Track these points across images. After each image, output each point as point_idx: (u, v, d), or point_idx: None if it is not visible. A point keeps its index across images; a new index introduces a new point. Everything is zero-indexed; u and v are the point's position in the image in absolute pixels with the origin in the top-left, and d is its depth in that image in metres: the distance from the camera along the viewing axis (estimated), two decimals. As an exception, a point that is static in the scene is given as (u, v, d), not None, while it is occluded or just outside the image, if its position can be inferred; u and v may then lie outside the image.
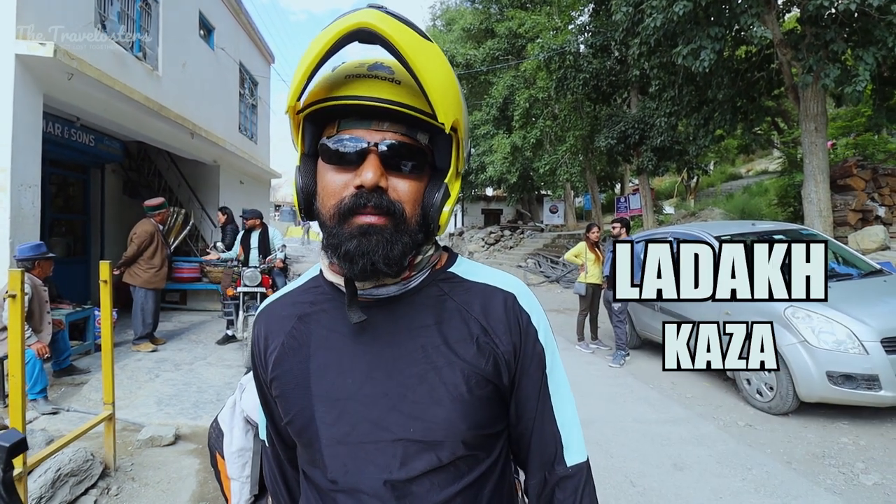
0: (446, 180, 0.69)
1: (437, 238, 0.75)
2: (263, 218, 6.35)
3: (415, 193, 0.67)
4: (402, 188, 0.65)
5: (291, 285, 0.81)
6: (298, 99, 0.64)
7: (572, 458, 0.73)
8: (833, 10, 6.61)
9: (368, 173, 0.62)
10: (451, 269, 0.76)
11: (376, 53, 0.64)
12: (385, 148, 0.64)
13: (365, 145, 0.63)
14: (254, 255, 6.03)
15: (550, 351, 0.74)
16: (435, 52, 0.62)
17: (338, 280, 0.71)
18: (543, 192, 23.32)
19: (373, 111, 0.64)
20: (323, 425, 0.67)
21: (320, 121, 0.68)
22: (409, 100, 0.63)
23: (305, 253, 21.10)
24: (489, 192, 28.54)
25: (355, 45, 0.61)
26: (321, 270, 0.78)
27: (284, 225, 32.19)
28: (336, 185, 0.65)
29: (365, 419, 0.66)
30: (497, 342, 0.70)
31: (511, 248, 19.61)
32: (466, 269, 0.77)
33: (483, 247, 20.61)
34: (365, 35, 0.58)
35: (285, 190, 40.07)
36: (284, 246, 6.35)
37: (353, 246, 0.63)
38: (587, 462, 0.75)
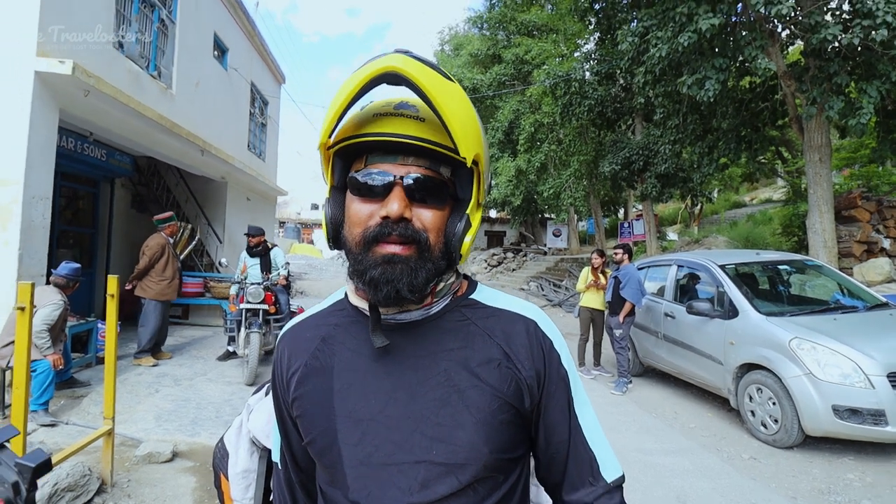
0: (468, 211, 0.73)
1: (457, 267, 0.77)
2: (266, 235, 6.40)
3: (438, 223, 0.70)
4: (425, 218, 0.69)
5: (316, 308, 0.83)
6: (329, 136, 0.68)
7: (609, 474, 0.75)
8: (836, 44, 6.72)
9: (394, 204, 0.65)
10: (472, 296, 0.78)
11: (401, 93, 0.68)
12: (410, 181, 0.67)
13: (391, 178, 0.67)
14: (256, 271, 6.06)
15: (573, 375, 0.77)
16: (456, 91, 0.66)
17: (362, 304, 0.74)
18: (547, 215, 23.41)
19: (399, 146, 0.68)
20: (346, 446, 0.69)
21: (349, 156, 0.73)
22: (433, 136, 0.67)
23: (309, 270, 21.09)
24: (493, 213, 28.68)
25: (383, 86, 0.65)
26: (346, 294, 0.81)
27: (288, 241, 32.31)
28: (362, 214, 0.68)
29: (388, 440, 0.67)
30: (520, 367, 0.71)
31: (514, 270, 19.60)
32: (487, 296, 0.79)
33: (486, 269, 20.61)
34: (391, 78, 0.63)
35: (291, 207, 40.36)
36: (288, 263, 6.39)
37: (378, 273, 0.66)
38: (623, 477, 0.76)
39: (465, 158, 0.66)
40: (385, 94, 0.69)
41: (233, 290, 6.14)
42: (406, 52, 0.64)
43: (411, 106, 0.69)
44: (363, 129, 0.68)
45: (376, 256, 0.66)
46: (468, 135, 0.66)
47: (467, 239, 0.72)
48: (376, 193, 0.68)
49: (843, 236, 8.48)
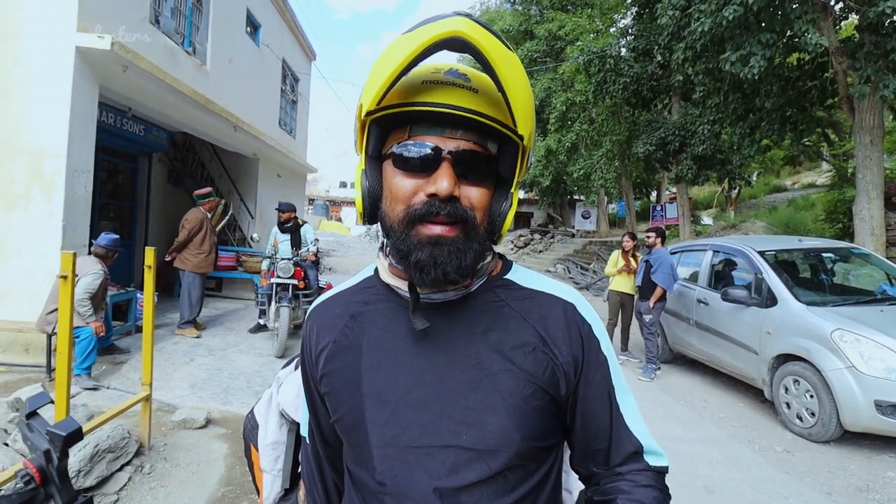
0: (512, 189, 0.69)
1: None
2: (297, 211, 6.49)
3: (485, 201, 0.66)
4: (473, 196, 0.65)
5: (344, 284, 0.81)
6: (378, 103, 0.63)
7: (654, 461, 0.72)
8: (895, 18, 6.28)
9: (444, 182, 0.61)
10: (507, 276, 0.75)
11: (444, 57, 0.64)
12: (459, 156, 0.63)
13: (440, 153, 0.63)
14: (286, 247, 6.16)
15: (613, 361, 0.73)
16: (517, 63, 0.62)
17: (395, 283, 0.72)
18: (576, 196, 23.02)
19: (447, 118, 0.63)
20: (373, 426, 0.67)
21: (388, 125, 0.67)
22: (487, 109, 0.63)
23: (337, 247, 21.38)
24: (521, 194, 28.34)
25: None
26: (376, 271, 0.78)
27: (317, 219, 32.76)
28: (406, 190, 0.64)
29: (415, 423, 0.65)
30: (556, 352, 0.68)
31: (541, 252, 19.43)
32: (522, 277, 0.76)
33: (512, 250, 20.49)
34: (456, 44, 0.59)
35: (320, 185, 40.81)
36: (317, 240, 6.47)
37: (426, 256, 0.62)
38: (667, 468, 0.73)
39: (522, 136, 0.63)
40: (432, 58, 0.63)
41: (264, 264, 6.27)
42: (468, 15, 0.59)
43: (462, 74, 0.64)
44: (411, 97, 0.63)
45: (421, 237, 0.63)
46: (527, 111, 0.63)
47: (509, 218, 0.69)
48: (422, 168, 0.63)
49: (893, 224, 8.05)
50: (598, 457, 0.72)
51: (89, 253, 4.69)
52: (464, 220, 0.63)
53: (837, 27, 8.14)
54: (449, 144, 0.63)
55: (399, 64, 0.58)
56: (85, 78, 4.91)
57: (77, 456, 2.69)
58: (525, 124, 0.63)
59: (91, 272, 4.29)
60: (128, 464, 2.96)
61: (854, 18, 7.96)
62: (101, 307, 4.52)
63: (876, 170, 7.13)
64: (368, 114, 0.64)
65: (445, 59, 0.64)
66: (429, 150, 0.63)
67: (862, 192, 7.22)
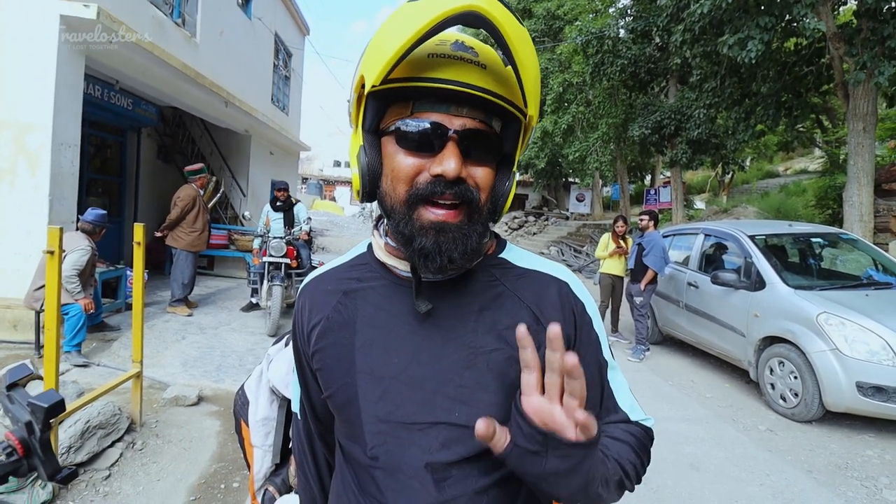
0: (514, 168, 0.68)
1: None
2: (290, 190, 6.43)
3: (489, 181, 0.65)
4: (478, 176, 0.63)
5: (337, 261, 0.80)
6: (383, 78, 0.59)
7: (641, 421, 0.74)
8: (893, 4, 6.25)
9: (451, 162, 0.59)
10: (501, 255, 0.75)
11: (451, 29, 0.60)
12: (466, 136, 0.61)
13: (447, 132, 0.60)
14: (279, 225, 6.12)
15: (604, 339, 0.75)
16: (528, 39, 0.60)
17: (391, 262, 0.71)
18: (571, 179, 22.99)
19: (453, 95, 0.60)
20: (366, 402, 0.67)
21: (387, 97, 0.64)
22: (494, 86, 0.61)
23: (331, 227, 21.29)
24: (517, 175, 28.25)
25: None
26: (369, 248, 0.77)
27: (311, 198, 32.50)
28: (409, 169, 0.62)
29: (409, 399, 0.65)
30: None
31: (534, 234, 19.48)
32: (517, 256, 0.76)
33: (506, 231, 20.52)
34: (473, 19, 0.55)
35: (314, 164, 40.40)
36: (310, 219, 6.43)
37: (431, 243, 0.61)
38: (652, 430, 0.75)
39: (531, 116, 0.62)
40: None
41: (255, 243, 6.23)
42: None
43: (469, 48, 0.61)
44: (416, 71, 0.60)
45: (423, 222, 0.61)
46: (536, 87, 0.61)
47: (509, 198, 0.68)
48: (427, 147, 0.61)
49: (881, 210, 8.14)
50: None
51: (77, 229, 4.63)
52: (469, 202, 0.62)
53: (836, 12, 8.10)
54: (455, 123, 0.61)
55: (408, 38, 0.55)
56: (70, 48, 4.77)
57: (68, 432, 2.70)
58: (534, 103, 0.62)
59: (78, 248, 4.23)
60: (119, 440, 2.97)
61: (853, 4, 7.91)
62: (89, 284, 4.48)
63: (867, 157, 7.17)
64: (372, 89, 0.61)
65: (449, 29, 0.61)
66: (435, 129, 0.60)
67: (853, 179, 7.27)
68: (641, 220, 5.83)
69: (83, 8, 4.48)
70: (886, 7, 6.31)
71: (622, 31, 12.52)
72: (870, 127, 7.15)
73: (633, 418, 0.73)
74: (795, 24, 7.35)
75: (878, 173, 8.09)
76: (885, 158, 10.30)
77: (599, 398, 0.72)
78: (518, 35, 0.57)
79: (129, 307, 5.69)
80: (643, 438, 0.72)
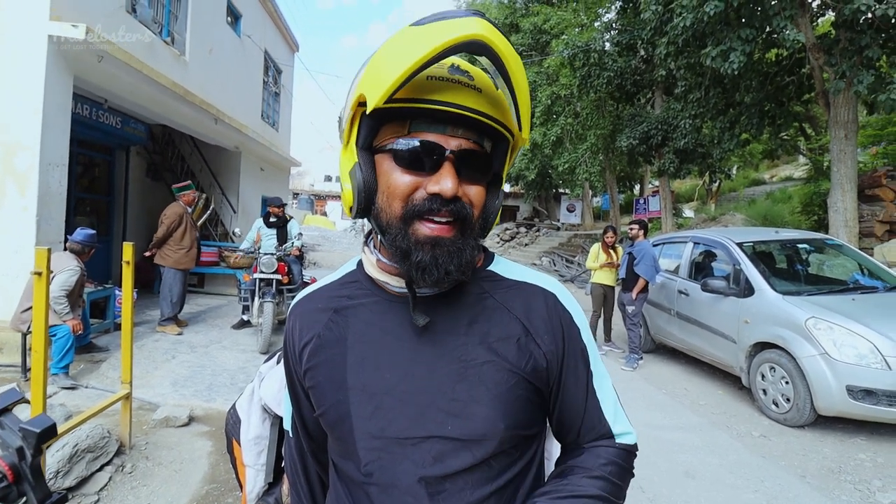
0: (502, 186, 0.71)
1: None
2: (284, 207, 6.42)
3: (482, 199, 0.68)
4: (472, 194, 0.66)
5: (325, 280, 0.81)
6: (387, 101, 0.60)
7: (622, 439, 0.74)
8: (870, 15, 6.41)
9: (448, 182, 0.62)
10: (490, 268, 0.76)
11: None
12: (461, 156, 0.64)
13: (444, 153, 0.63)
14: (271, 242, 6.09)
15: (592, 348, 0.75)
16: (521, 64, 0.62)
17: (383, 278, 0.72)
18: (561, 190, 23.15)
19: (450, 117, 0.62)
20: (358, 419, 0.68)
21: (383, 116, 0.65)
22: (489, 109, 0.64)
23: (323, 242, 21.22)
24: (506, 188, 28.41)
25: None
26: (359, 265, 0.78)
27: (302, 213, 32.45)
28: (405, 186, 0.64)
29: (402, 415, 0.66)
30: (539, 342, 0.70)
31: (526, 245, 19.54)
32: (505, 268, 0.77)
33: (498, 243, 20.57)
34: (477, 47, 0.57)
35: (305, 179, 40.38)
36: (301, 234, 6.41)
37: (428, 258, 0.63)
38: (635, 447, 0.75)
39: (519, 137, 0.65)
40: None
41: (243, 245, 6.16)
42: (482, 16, 0.58)
43: (464, 71, 0.64)
44: (416, 93, 0.61)
45: (419, 236, 0.63)
46: (528, 110, 0.64)
47: (498, 214, 0.71)
48: (423, 165, 0.63)
49: (865, 216, 8.27)
50: (570, 436, 0.75)
51: (65, 249, 4.59)
52: (463, 218, 0.64)
53: (814, 24, 8.29)
54: (451, 143, 0.63)
55: (414, 63, 0.56)
56: (58, 68, 4.77)
57: (55, 456, 2.65)
58: (527, 125, 0.64)
59: (67, 268, 4.19)
60: (108, 463, 2.92)
61: (831, 15, 8.11)
62: (78, 304, 4.43)
63: (850, 163, 7.30)
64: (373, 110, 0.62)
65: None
66: (432, 149, 0.63)
67: (836, 185, 7.39)
68: (631, 229, 5.88)
69: (71, 28, 4.48)
70: (863, 18, 6.48)
71: (608, 45, 12.73)
72: (851, 134, 7.30)
73: (615, 431, 0.73)
74: (776, 36, 7.52)
75: (861, 179, 8.24)
76: (867, 165, 10.49)
77: (583, 409, 0.73)
78: (515, 62, 0.60)
79: (117, 327, 5.62)
80: (621, 467, 0.72)
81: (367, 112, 0.62)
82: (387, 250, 0.69)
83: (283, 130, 12.97)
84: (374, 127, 0.66)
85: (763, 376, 4.25)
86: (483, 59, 0.61)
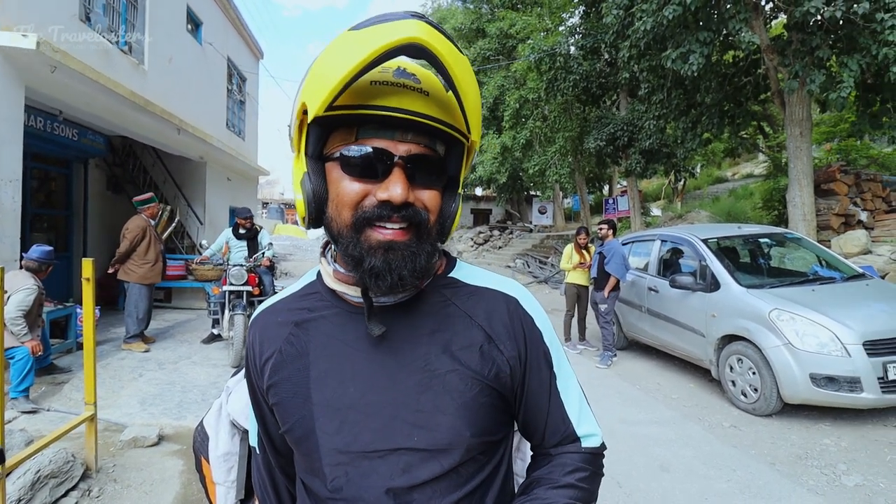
0: (459, 190, 0.70)
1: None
2: (253, 217, 6.31)
3: (437, 203, 0.66)
4: (426, 199, 0.64)
5: (286, 291, 0.79)
6: (327, 108, 0.59)
7: (588, 442, 0.74)
8: (819, 17, 6.70)
9: (397, 188, 0.60)
10: (451, 274, 0.75)
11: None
12: (411, 161, 0.62)
13: (392, 158, 0.61)
14: (242, 254, 5.97)
15: (556, 349, 0.75)
16: (468, 66, 0.62)
17: (341, 288, 0.70)
18: (533, 192, 23.39)
19: (398, 122, 0.61)
20: (324, 435, 0.66)
21: (330, 124, 0.63)
22: (437, 112, 0.62)
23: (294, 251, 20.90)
24: (478, 192, 28.59)
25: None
26: (318, 276, 0.76)
27: (272, 222, 31.88)
28: (354, 194, 0.62)
29: (367, 428, 0.65)
30: (502, 348, 0.69)
31: (500, 248, 19.65)
32: (467, 274, 0.76)
33: (472, 247, 20.63)
34: (414, 51, 0.57)
35: (275, 188, 39.74)
36: (271, 244, 6.30)
37: (381, 262, 0.61)
38: (601, 448, 0.75)
39: (473, 141, 0.64)
40: None
41: (207, 252, 6.03)
42: (422, 17, 0.57)
43: (411, 74, 0.62)
44: (360, 99, 0.60)
45: (372, 242, 0.62)
46: (477, 115, 0.63)
47: (456, 219, 0.70)
48: (372, 172, 0.62)
49: (822, 209, 8.62)
50: (535, 438, 0.75)
51: (21, 267, 4.39)
52: (418, 223, 0.63)
53: (768, 26, 8.62)
54: (400, 149, 0.62)
55: (351, 69, 0.55)
56: (8, 79, 4.58)
57: (16, 484, 2.52)
58: (476, 128, 0.64)
59: (23, 288, 4.01)
60: (73, 488, 2.80)
61: (783, 18, 8.46)
62: (37, 325, 4.24)
63: (806, 160, 7.61)
64: (315, 119, 0.61)
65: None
66: (380, 155, 0.61)
67: (794, 181, 7.69)
68: (601, 229, 5.98)
69: (21, 38, 4.31)
70: (813, 20, 6.78)
71: (573, 49, 12.96)
72: (806, 132, 7.61)
73: (579, 433, 0.74)
74: (732, 38, 7.78)
75: (816, 175, 8.59)
76: (822, 160, 10.96)
77: (546, 411, 0.73)
78: (459, 64, 0.59)
79: (80, 347, 5.40)
80: (588, 471, 0.72)
81: (310, 121, 0.61)
82: (342, 260, 0.68)
83: (250, 139, 12.74)
84: (322, 135, 0.64)
85: (731, 368, 4.37)
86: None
